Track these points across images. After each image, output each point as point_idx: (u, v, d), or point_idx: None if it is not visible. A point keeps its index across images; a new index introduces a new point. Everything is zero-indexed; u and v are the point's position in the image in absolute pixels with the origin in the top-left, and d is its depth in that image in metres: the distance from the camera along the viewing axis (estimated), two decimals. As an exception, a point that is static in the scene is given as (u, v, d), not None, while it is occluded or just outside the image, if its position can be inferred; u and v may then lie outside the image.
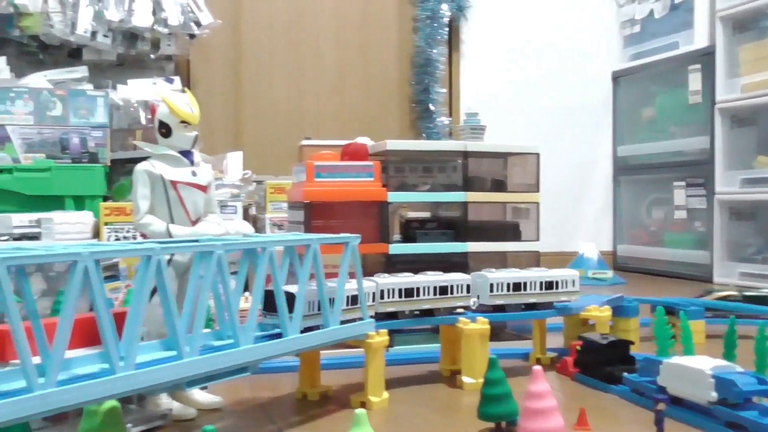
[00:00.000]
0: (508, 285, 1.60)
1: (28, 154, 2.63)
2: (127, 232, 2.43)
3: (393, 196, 1.85)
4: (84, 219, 2.45)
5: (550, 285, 1.64)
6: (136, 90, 3.26)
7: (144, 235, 1.29)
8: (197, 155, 1.35)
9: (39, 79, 3.01)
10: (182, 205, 1.30)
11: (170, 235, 1.27)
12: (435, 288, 1.54)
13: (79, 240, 2.38)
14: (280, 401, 1.43)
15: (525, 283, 1.61)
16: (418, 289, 1.51)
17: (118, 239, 2.43)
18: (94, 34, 3.15)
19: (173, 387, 1.05)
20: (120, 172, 3.04)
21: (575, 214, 4.14)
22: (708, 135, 3.48)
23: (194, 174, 1.32)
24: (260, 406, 1.39)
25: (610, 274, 3.50)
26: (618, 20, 4.19)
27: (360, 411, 0.93)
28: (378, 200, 1.83)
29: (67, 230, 2.37)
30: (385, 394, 1.39)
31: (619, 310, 1.80)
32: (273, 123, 3.83)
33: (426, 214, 2.09)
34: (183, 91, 1.40)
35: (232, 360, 1.09)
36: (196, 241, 1.18)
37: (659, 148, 3.85)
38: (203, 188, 1.33)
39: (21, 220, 2.35)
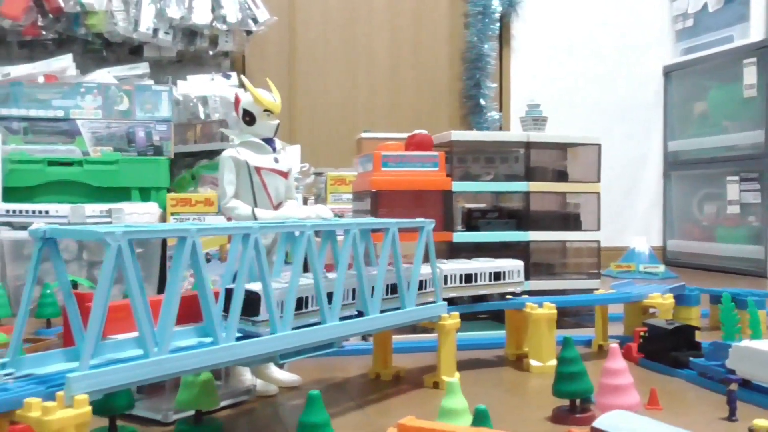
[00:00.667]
0: (461, 277, 1.53)
1: (97, 147, 2.73)
2: (192, 221, 2.51)
3: (457, 186, 1.89)
4: (151, 209, 2.55)
5: (497, 276, 1.60)
6: (194, 85, 3.35)
7: (230, 219, 1.36)
8: (278, 143, 1.41)
9: (103, 76, 3.12)
10: (265, 190, 1.36)
11: (255, 219, 1.33)
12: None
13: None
14: (355, 381, 1.49)
15: (475, 275, 1.55)
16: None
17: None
18: (155, 31, 3.24)
19: (267, 359, 1.11)
20: (180, 165, 3.13)
21: (625, 210, 4.13)
22: (763, 129, 3.45)
23: (276, 161, 1.38)
24: (336, 385, 1.45)
25: (661, 268, 3.49)
26: (670, 14, 4.17)
27: (452, 380, 0.98)
28: (443, 189, 1.88)
29: (136, 220, 2.46)
30: (457, 375, 1.43)
31: (681, 299, 1.82)
32: (326, 117, 3.89)
33: (482, 205, 2.12)
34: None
35: (320, 336, 1.15)
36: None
37: (711, 143, 3.83)
38: (284, 174, 1.39)
39: (93, 210, 2.45)
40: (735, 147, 3.69)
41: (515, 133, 2.05)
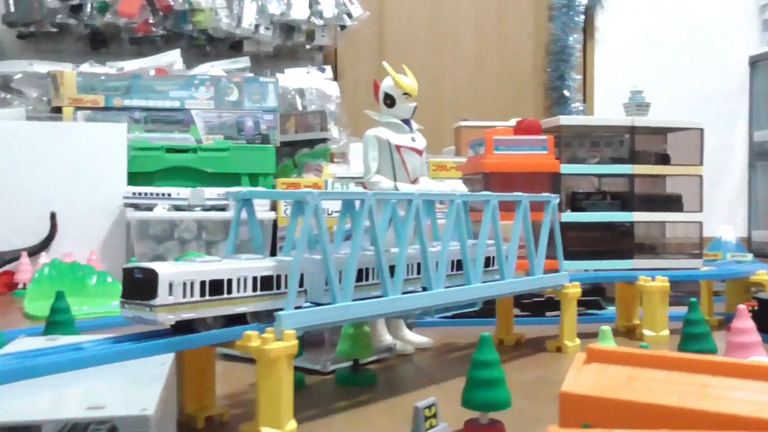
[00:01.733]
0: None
1: (209, 135, 2.91)
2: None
3: (565, 168, 1.99)
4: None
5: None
6: (292, 78, 3.52)
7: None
8: (414, 123, 1.53)
9: (208, 69, 3.31)
10: (404, 166, 1.48)
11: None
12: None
13: (261, 211, 2.63)
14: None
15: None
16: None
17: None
18: (256, 27, 3.42)
19: (424, 313, 1.24)
20: (280, 154, 3.29)
21: (710, 200, 4.12)
22: None
23: (413, 139, 1.50)
24: (462, 347, 1.57)
25: (749, 257, 3.50)
26: (757, 4, 4.16)
27: (605, 327, 1.08)
28: (552, 171, 1.98)
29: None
30: (578, 341, 1.54)
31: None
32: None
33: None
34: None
35: (468, 295, 1.27)
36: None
37: (800, 132, 3.82)
38: (420, 152, 1.52)
39: (211, 193, 2.63)
40: (824, 137, 3.67)
41: (620, 117, 2.13)
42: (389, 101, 1.50)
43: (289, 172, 3.15)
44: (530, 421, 1.03)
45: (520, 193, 1.44)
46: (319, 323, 1.02)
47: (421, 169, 1.54)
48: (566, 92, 3.96)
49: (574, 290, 1.53)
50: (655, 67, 4.10)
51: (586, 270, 1.94)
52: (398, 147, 1.48)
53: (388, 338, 1.49)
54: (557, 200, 1.51)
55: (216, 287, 0.95)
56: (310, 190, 1.01)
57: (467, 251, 1.27)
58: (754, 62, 4.16)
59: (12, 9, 3.29)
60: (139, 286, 0.88)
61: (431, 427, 0.88)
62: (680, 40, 4.12)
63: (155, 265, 0.88)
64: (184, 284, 0.90)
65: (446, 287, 1.24)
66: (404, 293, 1.16)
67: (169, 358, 0.88)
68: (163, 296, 0.88)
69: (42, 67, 3.23)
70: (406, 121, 1.51)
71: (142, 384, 0.78)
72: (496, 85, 4.06)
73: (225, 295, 0.96)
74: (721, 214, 4.16)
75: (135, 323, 0.91)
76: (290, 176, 3.12)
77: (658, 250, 2.18)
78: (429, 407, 0.88)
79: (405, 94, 1.49)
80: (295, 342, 0.96)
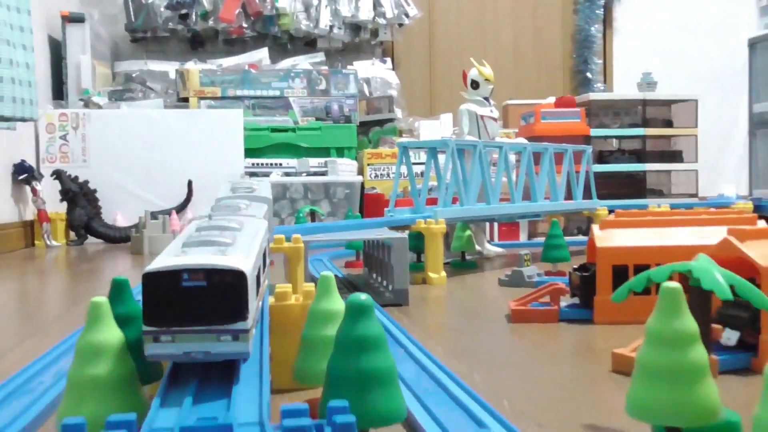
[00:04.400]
0: None
1: (304, 117, 3.63)
2: (383, 170, 3.39)
3: (594, 132, 2.69)
4: (351, 163, 3.43)
5: None
6: (360, 69, 4.22)
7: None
8: (491, 100, 2.23)
9: (290, 63, 4.02)
10: (486, 130, 2.19)
11: (482, 147, 2.16)
12: None
13: (350, 175, 3.35)
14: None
15: None
16: None
17: (377, 175, 3.40)
18: (331, 27, 4.13)
19: (509, 218, 1.96)
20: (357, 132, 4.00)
21: (717, 165, 4.81)
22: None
23: (492, 111, 2.21)
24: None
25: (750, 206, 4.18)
26: (754, -7, 4.80)
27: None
28: (584, 134, 2.68)
29: (344, 169, 3.35)
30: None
31: (759, 209, 2.57)
32: (459, 94, 4.71)
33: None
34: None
35: (533, 208, 1.98)
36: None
37: (792, 104, 4.47)
38: (495, 120, 2.22)
39: (313, 163, 3.34)
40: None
41: (635, 92, 2.82)
42: (475, 85, 2.20)
43: (365, 145, 3.86)
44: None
45: (566, 144, 2.15)
46: (457, 216, 1.74)
47: (497, 131, 2.25)
48: (589, 74, 4.63)
49: (439, 227, 2.21)
50: (667, 50, 4.76)
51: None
52: (482, 116, 2.19)
53: (478, 247, 2.20)
54: (590, 149, 2.21)
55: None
56: (448, 138, 1.73)
57: (534, 181, 1.98)
58: (753, 44, 4.80)
59: (133, 19, 4.02)
60: (198, 299, 0.56)
61: (527, 264, 1.59)
62: (687, 26, 4.78)
63: (224, 261, 0.57)
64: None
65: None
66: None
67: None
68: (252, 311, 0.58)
69: (154, 65, 3.97)
70: (486, 99, 2.22)
71: None
72: (531, 70, 4.75)
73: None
74: (728, 176, 4.83)
75: (185, 361, 0.57)
76: (366, 148, 3.83)
77: (665, 192, 2.87)
78: (526, 254, 1.60)
79: (486, 80, 2.20)
80: (445, 225, 1.68)
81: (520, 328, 1.19)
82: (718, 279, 0.76)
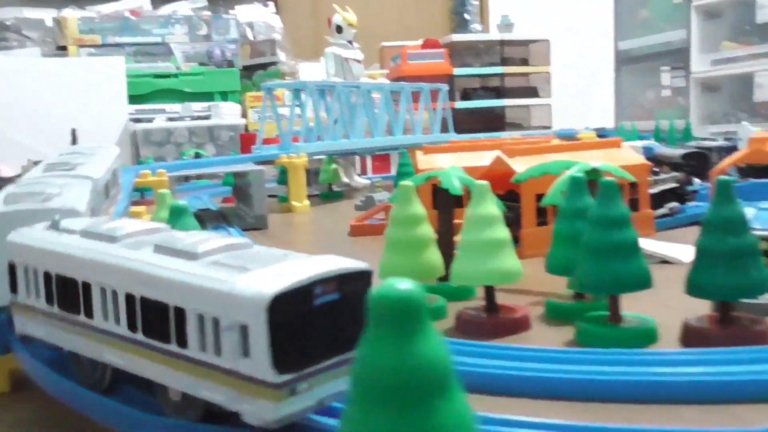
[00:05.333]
0: None
1: (187, 63, 3.69)
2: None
3: (457, 71, 2.90)
4: (235, 106, 3.54)
5: None
6: (242, 13, 4.28)
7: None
8: (355, 43, 2.40)
9: (171, 9, 4.04)
10: (351, 71, 2.36)
11: (347, 87, 2.33)
12: None
13: (234, 118, 3.47)
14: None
15: None
16: None
17: (260, 117, 3.53)
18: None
19: (370, 151, 2.15)
20: (240, 76, 4.09)
21: (585, 98, 5.15)
22: (685, 28, 4.45)
23: (355, 54, 2.38)
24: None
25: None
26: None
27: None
28: (447, 74, 2.88)
29: (227, 112, 3.46)
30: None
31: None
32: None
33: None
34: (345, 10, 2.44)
35: (394, 141, 2.18)
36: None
37: (651, 41, 4.82)
38: (359, 61, 2.39)
39: (196, 107, 3.44)
40: (668, 43, 4.68)
41: (493, 34, 3.04)
42: (339, 29, 2.36)
43: (249, 89, 3.96)
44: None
45: (422, 83, 2.35)
46: (319, 150, 1.91)
47: (361, 72, 2.42)
48: (467, 16, 4.84)
49: (301, 160, 2.42)
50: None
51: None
52: (346, 59, 2.35)
53: (347, 179, 2.39)
54: (447, 89, 2.41)
55: None
56: (306, 81, 1.89)
57: (394, 118, 2.17)
58: (617, -16, 5.11)
59: (3, -36, 3.93)
60: (331, 318, 0.43)
61: (380, 190, 1.79)
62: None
63: (347, 263, 0.49)
64: None
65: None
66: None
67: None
68: None
69: (30, 13, 3.92)
70: (350, 42, 2.38)
71: None
72: (412, 12, 4.93)
73: None
74: (596, 108, 5.18)
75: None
76: (250, 92, 3.94)
77: (523, 125, 3.13)
78: (377, 182, 1.80)
79: (349, 24, 2.36)
80: (306, 159, 1.85)
81: (360, 240, 1.40)
82: (453, 181, 0.96)
